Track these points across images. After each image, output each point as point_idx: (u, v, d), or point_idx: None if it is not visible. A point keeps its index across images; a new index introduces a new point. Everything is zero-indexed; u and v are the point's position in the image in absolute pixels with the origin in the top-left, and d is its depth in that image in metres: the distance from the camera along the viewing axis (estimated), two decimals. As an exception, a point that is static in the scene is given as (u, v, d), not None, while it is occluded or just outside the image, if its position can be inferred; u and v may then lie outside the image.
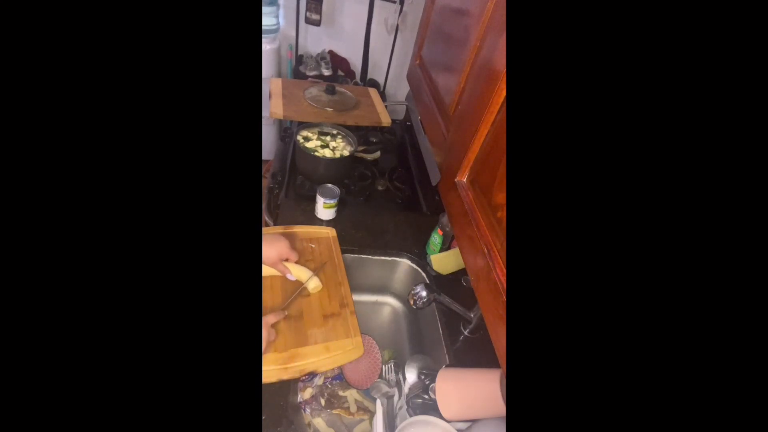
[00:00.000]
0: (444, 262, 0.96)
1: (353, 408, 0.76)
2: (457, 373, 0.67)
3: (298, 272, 0.83)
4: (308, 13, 1.77)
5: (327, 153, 1.10)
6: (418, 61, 0.99)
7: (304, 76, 1.84)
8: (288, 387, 0.70)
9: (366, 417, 0.75)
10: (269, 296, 0.79)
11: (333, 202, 1.00)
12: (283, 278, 0.83)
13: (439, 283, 0.94)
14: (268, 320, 0.70)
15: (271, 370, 0.66)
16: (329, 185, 1.02)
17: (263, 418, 0.65)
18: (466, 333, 0.85)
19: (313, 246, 0.92)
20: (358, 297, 1.03)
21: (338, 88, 1.33)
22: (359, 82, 1.99)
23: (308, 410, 0.73)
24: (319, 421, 0.73)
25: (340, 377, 0.79)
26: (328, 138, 1.16)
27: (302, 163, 1.12)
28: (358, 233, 1.02)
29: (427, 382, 0.70)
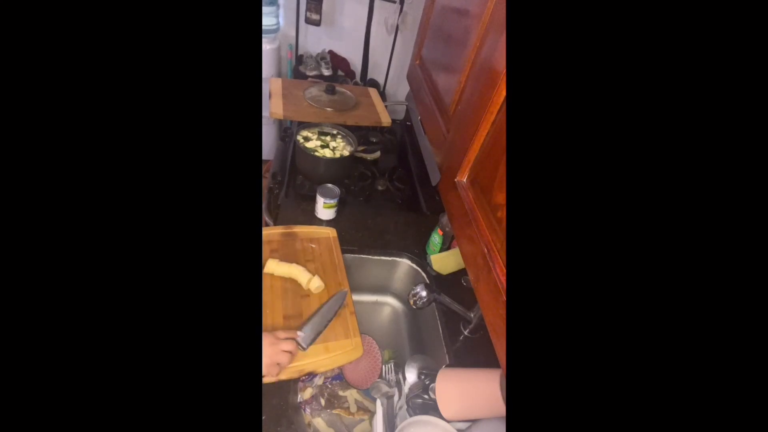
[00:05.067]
0: (444, 262, 0.96)
1: (353, 408, 0.76)
2: (457, 373, 0.67)
3: (297, 273, 0.83)
4: (308, 13, 1.77)
5: (327, 153, 1.10)
6: (418, 61, 0.99)
7: (304, 76, 1.84)
8: (288, 387, 0.70)
9: (366, 417, 0.75)
10: (269, 295, 0.80)
11: (333, 202, 1.00)
12: (284, 279, 0.83)
13: (439, 283, 0.94)
14: (279, 337, 0.65)
15: (271, 370, 0.66)
16: (329, 185, 1.02)
17: (263, 418, 0.65)
18: (466, 333, 0.85)
19: (313, 246, 0.92)
20: (358, 297, 1.03)
21: (338, 88, 1.33)
22: (359, 82, 1.99)
23: (308, 410, 0.73)
24: (319, 421, 0.73)
25: (340, 377, 0.79)
26: (328, 138, 1.16)
27: (302, 163, 1.12)
28: (358, 233, 1.02)
29: (427, 382, 0.70)
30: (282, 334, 0.67)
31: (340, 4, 1.90)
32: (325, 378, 0.78)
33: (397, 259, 1.01)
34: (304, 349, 0.70)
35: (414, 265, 1.00)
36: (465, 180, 0.61)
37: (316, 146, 1.11)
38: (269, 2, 1.72)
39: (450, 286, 0.93)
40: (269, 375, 0.64)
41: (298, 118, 1.20)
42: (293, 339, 0.69)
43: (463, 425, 0.66)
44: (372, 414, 0.76)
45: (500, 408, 0.59)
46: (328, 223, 1.03)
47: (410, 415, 0.70)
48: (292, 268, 0.83)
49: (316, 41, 1.99)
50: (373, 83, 2.03)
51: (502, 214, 0.48)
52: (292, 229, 0.95)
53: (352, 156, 1.12)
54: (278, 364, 0.64)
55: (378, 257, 1.00)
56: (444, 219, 0.92)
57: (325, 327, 0.75)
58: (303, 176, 1.13)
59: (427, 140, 0.85)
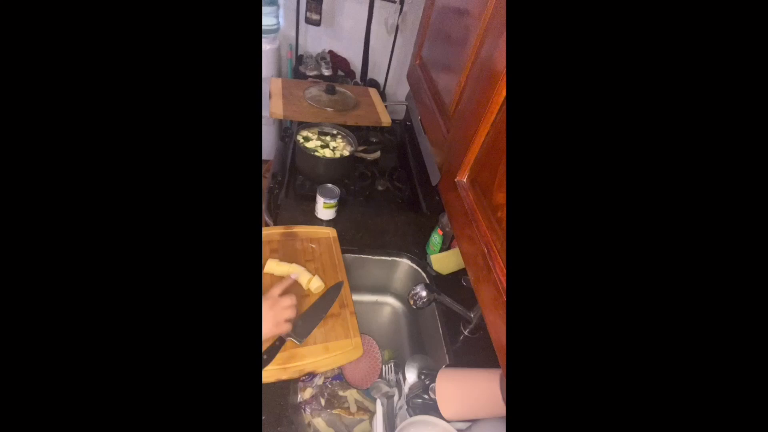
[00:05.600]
0: (444, 262, 0.96)
1: (353, 408, 0.76)
2: (457, 373, 0.67)
3: (297, 273, 0.83)
4: (308, 13, 1.77)
5: (327, 153, 1.10)
6: (418, 61, 0.99)
7: (304, 76, 1.84)
8: (288, 387, 0.70)
9: (366, 417, 0.75)
10: (269, 296, 0.79)
11: (333, 202, 1.00)
12: (283, 278, 0.83)
13: (439, 283, 0.94)
14: (274, 295, 0.67)
15: (270, 370, 0.66)
16: (329, 185, 1.02)
17: (263, 418, 0.65)
18: (466, 333, 0.85)
19: (313, 246, 0.92)
20: (358, 297, 1.03)
21: (338, 88, 1.33)
22: (359, 82, 1.99)
23: (308, 410, 0.73)
24: (319, 421, 0.73)
25: (340, 377, 0.79)
26: (328, 138, 1.16)
27: (302, 163, 1.12)
28: (358, 233, 1.02)
29: (427, 382, 0.70)
30: (276, 290, 0.68)
31: (340, 4, 1.90)
32: (325, 378, 0.78)
33: (397, 259, 1.01)
34: (299, 342, 0.70)
35: (414, 265, 1.00)
36: (465, 180, 0.61)
37: (316, 146, 1.11)
38: (269, 2, 1.72)
39: (450, 286, 0.93)
40: (284, 331, 0.67)
41: (298, 118, 1.20)
42: (290, 293, 0.70)
43: (463, 425, 0.66)
44: (372, 414, 0.76)
45: (500, 408, 0.59)
46: (328, 223, 1.03)
47: (410, 415, 0.70)
48: (292, 268, 0.83)
49: (316, 41, 1.99)
50: (373, 83, 2.03)
51: (502, 214, 0.48)
52: (292, 229, 0.95)
53: (352, 156, 1.12)
54: (286, 320, 0.66)
55: (378, 257, 1.00)
56: (444, 219, 0.92)
57: (321, 320, 0.75)
58: (303, 176, 1.13)
59: (427, 140, 0.85)
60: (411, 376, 0.76)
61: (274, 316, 0.65)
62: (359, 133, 1.25)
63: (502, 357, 0.43)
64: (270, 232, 0.93)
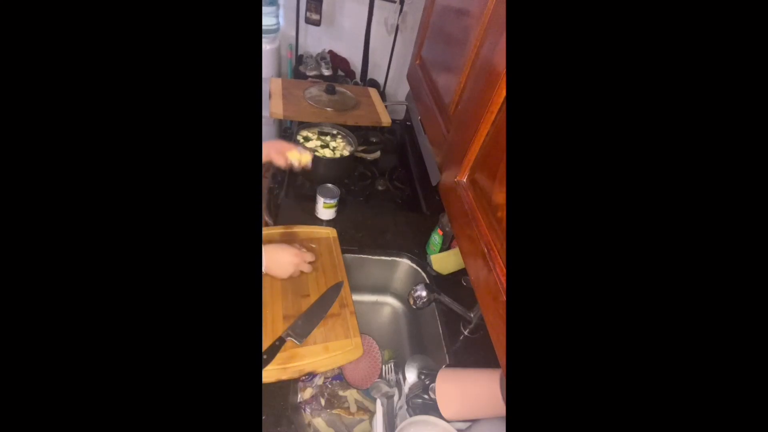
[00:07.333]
0: (444, 262, 0.96)
1: (353, 408, 0.76)
2: (457, 373, 0.67)
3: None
4: (308, 13, 1.77)
5: (327, 153, 1.10)
6: (418, 61, 0.99)
7: (304, 76, 1.84)
8: (288, 387, 0.70)
9: (366, 417, 0.75)
10: (269, 295, 0.79)
11: (333, 202, 1.00)
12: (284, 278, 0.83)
13: (439, 283, 0.94)
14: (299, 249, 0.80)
15: (270, 370, 0.66)
16: (329, 185, 1.02)
17: (263, 418, 0.65)
18: (466, 333, 0.85)
19: (313, 246, 0.92)
20: (358, 297, 1.03)
21: (338, 88, 1.33)
22: (359, 82, 1.99)
23: (308, 410, 0.73)
24: (319, 421, 0.73)
25: (340, 377, 0.79)
26: (328, 138, 1.16)
27: (302, 163, 1.12)
28: (358, 233, 1.02)
29: (427, 382, 0.70)
30: (297, 245, 0.83)
31: (340, 4, 1.90)
32: (325, 378, 0.78)
33: (397, 259, 1.01)
34: (299, 342, 0.70)
35: (414, 265, 1.00)
36: (465, 180, 0.61)
37: (316, 146, 1.11)
38: (269, 2, 1.72)
39: (450, 286, 0.93)
40: (292, 275, 0.79)
41: (298, 118, 1.20)
42: (312, 252, 0.84)
43: (463, 425, 0.66)
44: (372, 414, 0.76)
45: (500, 408, 0.59)
46: (328, 223, 1.03)
47: (410, 415, 0.70)
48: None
49: (316, 41, 1.99)
50: (373, 83, 2.03)
51: (502, 214, 0.48)
52: (292, 229, 0.95)
53: (352, 156, 1.12)
54: (302, 272, 0.81)
55: (378, 257, 1.00)
56: (444, 219, 0.92)
57: (321, 319, 0.75)
58: (303, 176, 1.13)
59: (427, 140, 0.85)
60: (411, 376, 0.76)
61: (297, 264, 0.78)
62: (359, 133, 1.25)
63: (502, 357, 0.43)
64: (270, 232, 0.93)
